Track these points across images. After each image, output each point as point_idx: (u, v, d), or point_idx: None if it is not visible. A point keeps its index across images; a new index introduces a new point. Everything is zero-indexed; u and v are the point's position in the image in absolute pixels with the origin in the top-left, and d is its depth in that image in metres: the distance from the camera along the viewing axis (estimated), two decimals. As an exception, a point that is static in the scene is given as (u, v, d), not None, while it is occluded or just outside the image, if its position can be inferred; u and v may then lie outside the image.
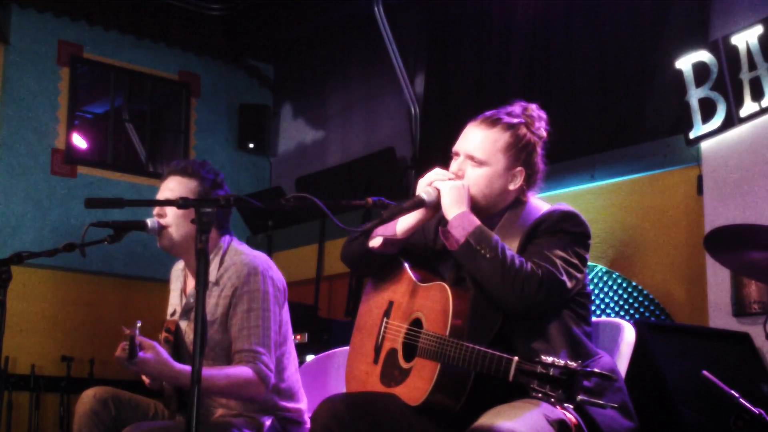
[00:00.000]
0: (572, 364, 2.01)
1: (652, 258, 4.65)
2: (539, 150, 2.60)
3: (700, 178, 4.47)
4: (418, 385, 2.38)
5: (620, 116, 5.03)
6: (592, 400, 2.03)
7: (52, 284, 6.71)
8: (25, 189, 6.68)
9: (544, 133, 2.62)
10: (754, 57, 4.22)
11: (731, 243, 2.98)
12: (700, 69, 4.40)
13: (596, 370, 2.03)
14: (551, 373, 2.02)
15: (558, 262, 2.38)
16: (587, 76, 5.22)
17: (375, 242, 2.61)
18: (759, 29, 4.21)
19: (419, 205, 2.51)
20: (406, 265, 2.65)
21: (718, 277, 4.26)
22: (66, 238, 2.99)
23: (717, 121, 4.34)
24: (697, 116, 4.40)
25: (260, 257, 3.07)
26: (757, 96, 4.20)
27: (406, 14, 6.64)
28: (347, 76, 7.35)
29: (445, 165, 2.62)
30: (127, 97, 7.66)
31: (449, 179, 2.52)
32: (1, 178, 6.59)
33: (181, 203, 2.32)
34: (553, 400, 2.01)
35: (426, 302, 2.50)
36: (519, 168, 2.54)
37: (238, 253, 3.05)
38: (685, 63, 4.45)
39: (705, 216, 4.36)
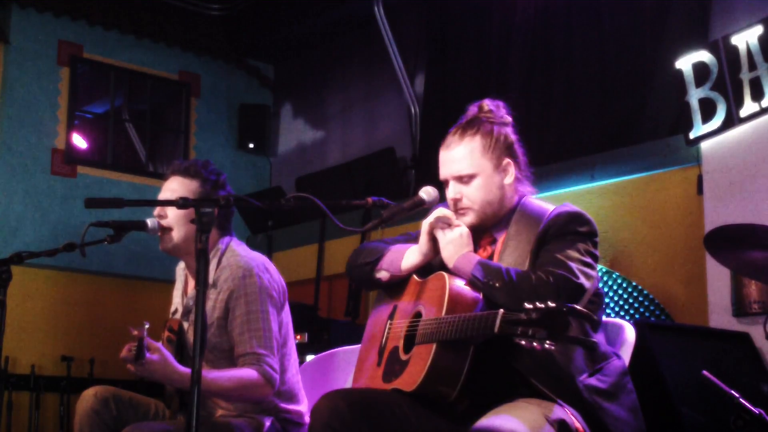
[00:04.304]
0: (552, 304, 2.03)
1: (652, 258, 4.64)
2: (513, 135, 2.64)
3: (700, 178, 4.47)
4: (415, 370, 2.38)
5: (620, 116, 5.03)
6: (577, 336, 2.03)
7: (52, 284, 6.71)
8: (25, 189, 6.68)
9: (509, 118, 2.67)
10: (754, 57, 4.22)
11: (731, 243, 2.98)
12: (700, 69, 4.40)
13: (577, 308, 2.03)
14: (534, 317, 2.04)
15: (572, 264, 2.39)
16: (587, 76, 5.22)
17: (382, 275, 2.69)
18: (759, 29, 4.21)
19: (419, 205, 2.58)
20: (414, 274, 2.67)
21: (718, 277, 4.25)
22: (66, 238, 2.98)
23: (717, 121, 4.34)
24: (697, 116, 4.39)
25: (256, 259, 3.04)
26: (757, 96, 4.20)
27: (406, 14, 6.64)
28: (347, 76, 7.35)
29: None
30: (127, 97, 7.66)
31: (452, 224, 2.54)
32: (1, 178, 6.59)
33: (180, 203, 2.32)
34: (536, 343, 2.02)
35: (426, 293, 2.53)
36: (506, 161, 2.59)
37: (234, 255, 3.02)
38: (685, 63, 4.44)
39: (705, 216, 4.36)
